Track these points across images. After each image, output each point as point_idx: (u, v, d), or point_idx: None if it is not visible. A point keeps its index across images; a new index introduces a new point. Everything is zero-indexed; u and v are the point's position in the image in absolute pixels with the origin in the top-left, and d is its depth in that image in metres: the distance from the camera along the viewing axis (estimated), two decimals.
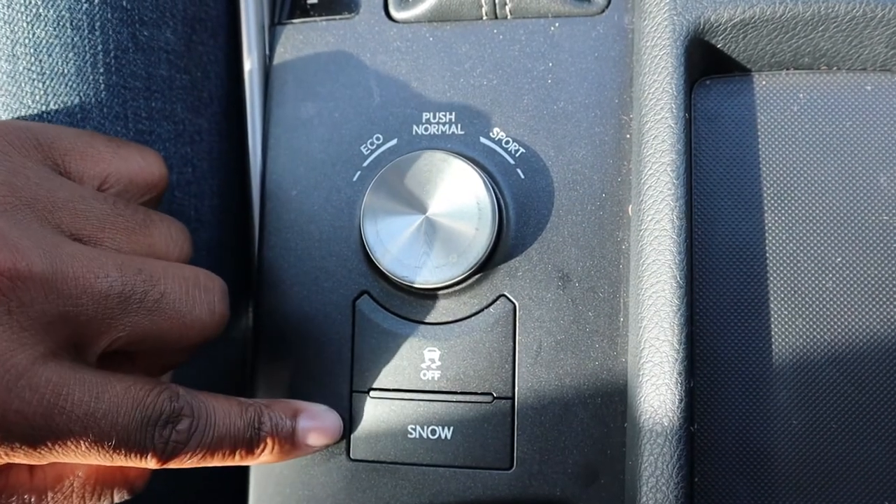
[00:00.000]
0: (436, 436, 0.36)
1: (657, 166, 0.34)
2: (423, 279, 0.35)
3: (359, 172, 0.38)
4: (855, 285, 0.34)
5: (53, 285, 0.27)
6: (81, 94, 0.35)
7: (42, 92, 0.34)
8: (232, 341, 0.42)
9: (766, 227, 0.35)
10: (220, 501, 0.44)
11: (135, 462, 0.29)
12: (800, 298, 0.34)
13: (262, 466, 0.38)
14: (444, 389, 0.36)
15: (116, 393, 0.28)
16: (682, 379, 0.32)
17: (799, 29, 0.35)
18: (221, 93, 0.41)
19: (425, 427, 0.36)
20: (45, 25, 0.34)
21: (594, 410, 0.35)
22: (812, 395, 0.33)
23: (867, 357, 0.33)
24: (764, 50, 0.36)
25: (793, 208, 0.35)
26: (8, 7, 0.34)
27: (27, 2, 0.34)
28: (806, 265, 0.34)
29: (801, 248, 0.34)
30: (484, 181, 0.35)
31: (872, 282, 0.34)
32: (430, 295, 0.37)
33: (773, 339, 0.34)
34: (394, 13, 0.40)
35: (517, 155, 0.37)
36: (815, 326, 0.34)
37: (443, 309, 0.37)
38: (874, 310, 0.33)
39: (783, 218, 0.35)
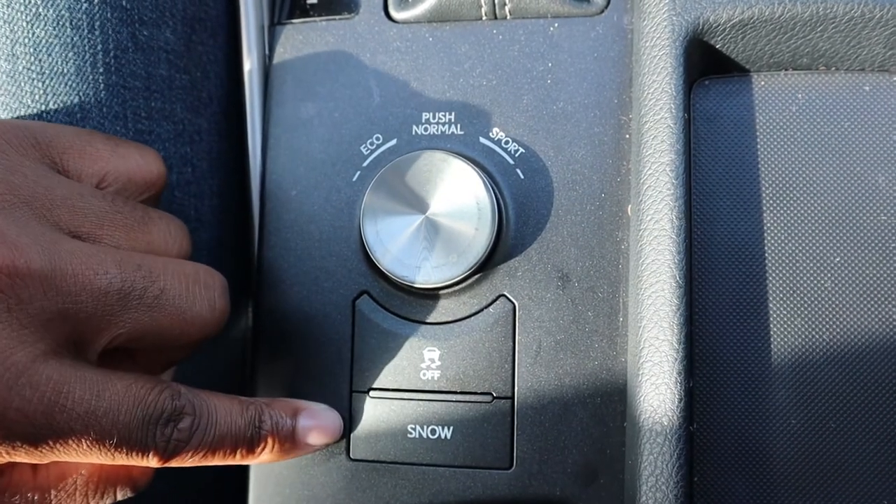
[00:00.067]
0: (436, 435, 0.36)
1: (656, 166, 0.34)
2: (423, 279, 0.35)
3: (358, 172, 0.38)
4: (853, 285, 0.34)
5: (52, 282, 0.27)
6: (81, 93, 0.35)
7: (41, 91, 0.34)
8: (232, 341, 0.42)
9: (765, 227, 0.35)
10: (221, 501, 0.44)
11: (136, 461, 0.29)
12: (799, 298, 0.34)
13: (262, 466, 0.38)
14: (443, 389, 0.36)
15: (117, 391, 0.28)
16: (682, 378, 0.32)
17: (797, 29, 0.35)
18: (221, 93, 0.41)
19: (425, 427, 0.36)
20: (45, 25, 0.34)
21: (594, 410, 0.35)
22: (811, 395, 0.33)
23: (866, 356, 0.33)
24: (763, 50, 0.36)
25: (791, 208, 0.35)
26: (7, 6, 0.34)
27: (27, 1, 0.34)
28: (805, 265, 0.34)
29: (800, 247, 0.34)
30: (483, 181, 0.35)
31: (871, 282, 0.34)
32: (430, 295, 0.37)
33: (772, 339, 0.34)
34: (393, 13, 0.40)
35: (517, 155, 0.37)
36: (813, 326, 0.34)
37: (442, 309, 0.37)
38: (873, 309, 0.33)
39: (782, 218, 0.35)
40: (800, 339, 0.34)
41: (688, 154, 0.34)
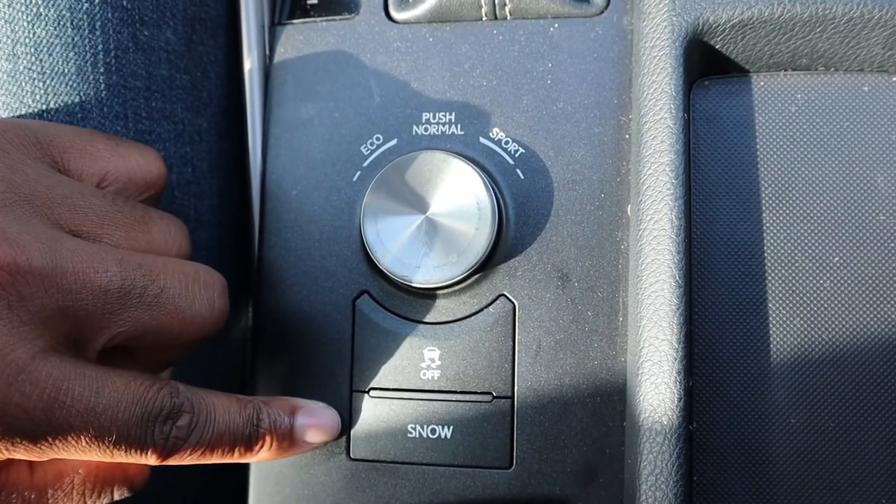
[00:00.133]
0: (435, 435, 0.36)
1: (656, 166, 0.34)
2: (423, 278, 0.35)
3: (359, 172, 0.38)
4: (853, 285, 0.34)
5: (53, 280, 0.27)
6: (82, 93, 0.35)
7: (42, 91, 0.34)
8: (232, 341, 0.42)
9: (765, 227, 0.35)
10: (220, 500, 0.44)
11: (135, 458, 0.29)
12: (798, 298, 0.34)
13: (262, 465, 0.38)
14: (443, 389, 0.36)
15: (117, 388, 0.28)
16: (681, 378, 0.32)
17: (797, 30, 0.35)
18: (221, 93, 0.42)
19: (425, 426, 0.36)
20: (46, 25, 0.34)
21: (593, 409, 0.35)
22: (810, 394, 0.33)
23: (865, 356, 0.33)
24: (762, 51, 0.36)
25: (791, 208, 0.35)
26: (9, 6, 0.34)
27: (28, 1, 0.34)
28: (804, 265, 0.34)
29: (800, 247, 0.34)
30: (484, 181, 0.35)
31: (870, 281, 0.34)
32: (430, 294, 0.37)
33: (771, 339, 0.34)
34: (394, 14, 0.40)
35: (517, 155, 0.37)
36: (813, 326, 0.34)
37: (442, 308, 0.37)
38: (872, 309, 0.33)
39: (781, 218, 0.35)
40: (799, 339, 0.34)
41: (687, 154, 0.34)
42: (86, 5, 0.35)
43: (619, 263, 0.36)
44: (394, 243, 0.35)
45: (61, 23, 0.34)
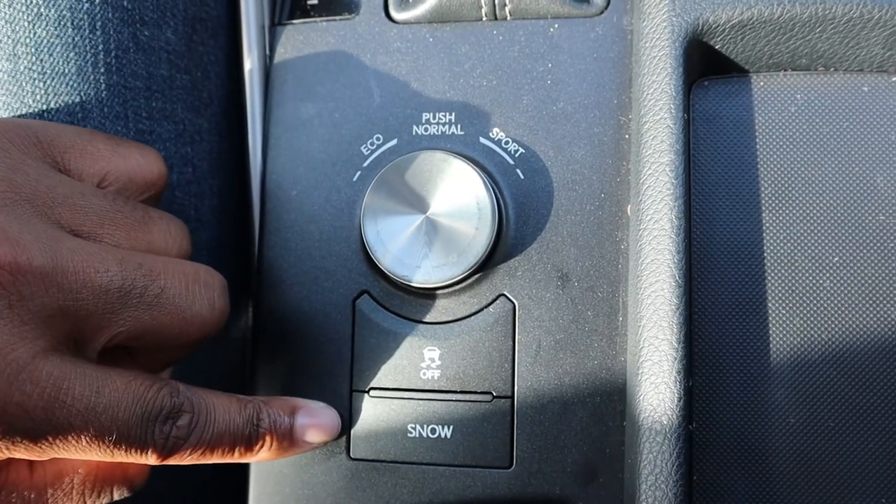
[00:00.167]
0: (436, 435, 0.36)
1: (656, 166, 0.34)
2: (423, 278, 0.35)
3: (359, 172, 0.39)
4: (852, 285, 0.34)
5: (54, 279, 0.27)
6: (82, 93, 0.35)
7: (43, 91, 0.34)
8: (232, 341, 0.42)
9: (765, 227, 0.35)
10: (220, 500, 0.44)
11: (135, 458, 0.29)
12: (798, 298, 0.34)
13: (262, 465, 0.38)
14: (443, 388, 0.36)
15: (117, 388, 0.28)
16: (681, 378, 0.32)
17: (797, 30, 0.35)
18: (222, 93, 0.42)
19: (425, 426, 0.36)
20: (47, 25, 0.34)
21: (593, 409, 0.35)
22: (810, 394, 0.33)
23: (864, 356, 0.33)
24: (762, 51, 0.36)
25: (791, 208, 0.35)
26: (9, 6, 0.34)
27: (29, 1, 0.34)
28: (804, 265, 0.34)
29: (799, 247, 0.34)
30: (484, 181, 0.35)
31: (869, 281, 0.34)
32: (430, 294, 0.37)
33: (771, 338, 0.34)
34: (394, 14, 0.40)
35: (517, 155, 0.37)
36: (812, 325, 0.34)
37: (442, 308, 0.37)
38: (871, 309, 0.33)
39: (781, 218, 0.35)
40: (799, 339, 0.34)
41: (687, 154, 0.34)
42: (86, 5, 0.35)
43: (619, 263, 0.36)
44: (394, 243, 0.35)
45: (62, 23, 0.34)
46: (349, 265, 0.38)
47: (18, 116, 0.34)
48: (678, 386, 0.32)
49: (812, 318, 0.34)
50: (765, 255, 0.34)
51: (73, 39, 0.35)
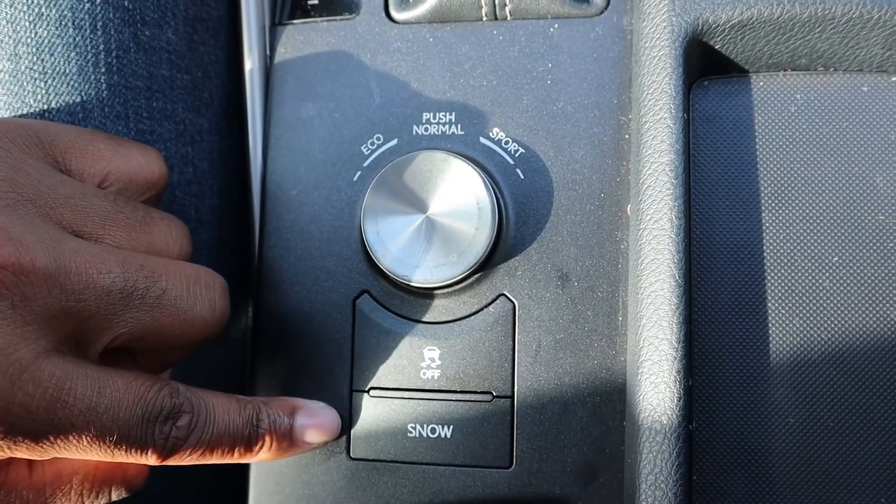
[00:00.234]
0: (435, 434, 0.36)
1: (656, 166, 0.34)
2: (423, 278, 0.35)
3: (359, 172, 0.39)
4: (852, 284, 0.34)
5: (57, 280, 0.27)
6: (83, 93, 0.35)
7: (44, 91, 0.34)
8: (232, 341, 0.42)
9: (764, 227, 0.35)
10: (220, 500, 0.44)
11: (135, 458, 0.29)
12: (797, 297, 0.34)
13: (263, 465, 0.38)
14: (443, 388, 0.36)
15: (118, 388, 0.28)
16: (681, 377, 0.32)
17: (796, 30, 0.35)
18: (222, 93, 0.42)
19: (425, 426, 0.36)
20: (48, 25, 0.34)
21: (593, 409, 0.35)
22: (809, 393, 0.33)
23: (864, 355, 0.33)
24: (762, 51, 0.36)
25: (790, 208, 0.35)
26: (10, 6, 0.34)
27: (30, 1, 0.34)
28: (803, 264, 0.34)
29: (799, 247, 0.34)
30: (484, 181, 0.35)
31: (869, 281, 0.34)
32: (430, 294, 0.37)
33: (770, 338, 0.34)
34: (394, 14, 0.40)
35: (517, 155, 0.37)
36: (812, 325, 0.34)
37: (442, 308, 0.37)
38: (871, 309, 0.34)
39: (781, 217, 0.35)
40: (798, 338, 0.34)
41: (687, 154, 0.34)
42: (87, 5, 0.35)
43: (619, 263, 0.36)
44: (394, 243, 0.35)
45: (63, 23, 0.34)
46: (349, 265, 0.38)
47: (20, 116, 0.34)
48: (678, 385, 0.32)
49: (812, 318, 0.34)
50: (764, 254, 0.35)
51: (75, 39, 0.35)
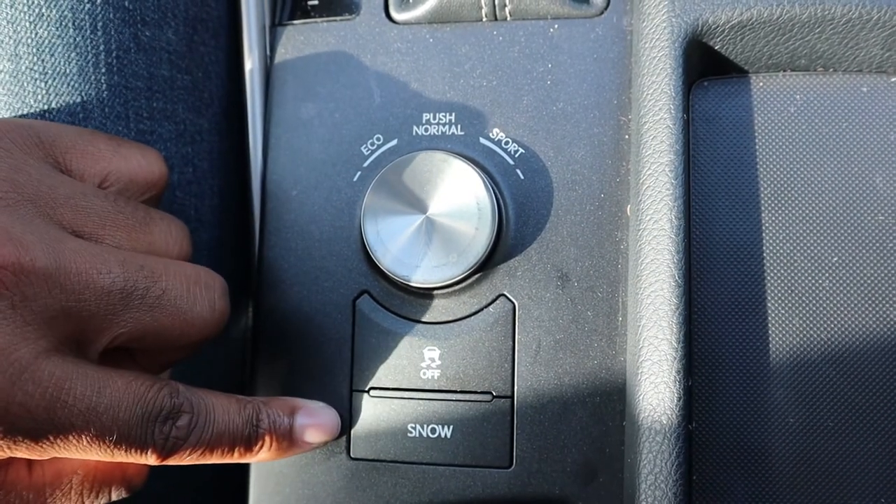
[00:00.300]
0: (435, 434, 0.36)
1: (656, 167, 0.34)
2: (423, 278, 0.35)
3: (359, 173, 0.39)
4: (851, 285, 0.34)
5: (57, 280, 0.27)
6: (83, 93, 0.35)
7: (44, 91, 0.34)
8: (232, 341, 0.42)
9: (764, 227, 0.35)
10: (220, 500, 0.44)
11: (135, 458, 0.29)
12: (797, 298, 0.34)
13: (263, 465, 0.38)
14: (443, 388, 0.36)
15: (118, 388, 0.28)
16: (681, 377, 0.32)
17: (796, 31, 0.35)
18: (222, 93, 0.42)
19: (425, 426, 0.36)
20: (48, 25, 0.34)
21: (593, 409, 0.35)
22: (809, 393, 0.33)
23: (864, 355, 0.33)
24: (761, 51, 0.36)
25: (790, 208, 0.35)
26: (11, 7, 0.34)
27: (30, 2, 0.34)
28: (803, 265, 0.34)
29: (799, 247, 0.34)
30: (484, 181, 0.35)
31: (868, 281, 0.34)
32: (430, 294, 0.37)
33: (770, 338, 0.34)
34: (394, 14, 0.40)
35: (517, 155, 0.37)
36: (811, 325, 0.34)
37: (442, 308, 0.37)
38: (870, 309, 0.34)
39: (780, 218, 0.35)
40: (798, 339, 0.34)
41: (687, 154, 0.34)
42: (87, 6, 0.35)
43: (619, 263, 0.36)
44: (394, 243, 0.35)
45: (63, 23, 0.34)
46: (349, 265, 0.38)
47: (20, 116, 0.34)
48: (678, 386, 0.32)
49: (811, 318, 0.34)
50: (764, 254, 0.35)
51: (75, 40, 0.35)
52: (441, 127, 0.38)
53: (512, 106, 0.38)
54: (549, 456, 0.35)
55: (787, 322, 0.34)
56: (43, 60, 0.34)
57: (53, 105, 0.35)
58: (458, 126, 0.38)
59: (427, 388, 0.36)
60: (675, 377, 0.32)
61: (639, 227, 0.34)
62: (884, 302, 0.34)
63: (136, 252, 0.31)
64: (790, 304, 0.34)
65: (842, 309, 0.34)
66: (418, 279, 0.35)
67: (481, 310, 0.36)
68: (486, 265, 0.36)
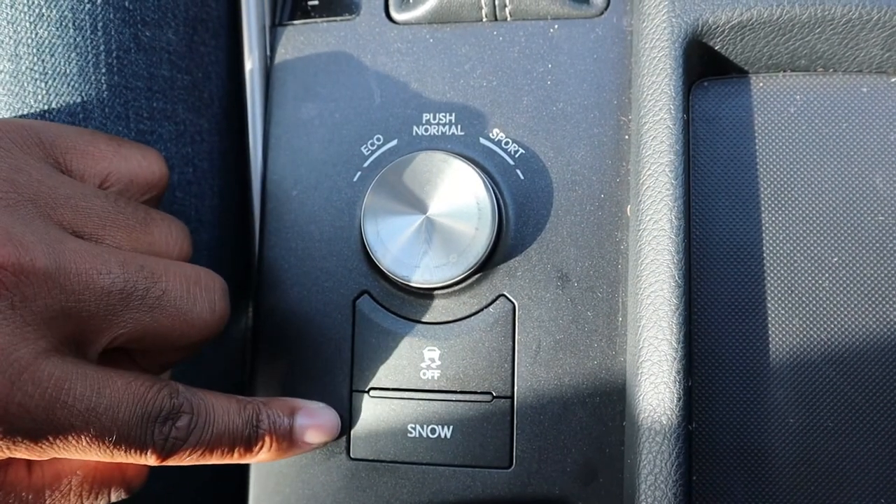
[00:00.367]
0: (435, 435, 0.36)
1: (656, 167, 0.34)
2: (423, 278, 0.35)
3: (359, 173, 0.39)
4: (851, 285, 0.34)
5: (57, 281, 0.27)
6: (83, 93, 0.35)
7: (45, 92, 0.34)
8: (232, 341, 0.42)
9: (764, 228, 0.35)
10: (220, 500, 0.44)
11: (134, 458, 0.29)
12: (797, 298, 0.34)
13: (263, 465, 0.38)
14: (443, 388, 0.36)
15: (118, 388, 0.28)
16: (681, 378, 0.32)
17: (796, 31, 0.35)
18: (222, 93, 0.42)
19: (425, 426, 0.36)
20: (48, 26, 0.34)
21: (593, 409, 0.35)
22: (809, 394, 0.33)
23: (863, 356, 0.33)
24: (761, 52, 0.36)
25: (790, 209, 0.35)
26: (11, 7, 0.34)
27: (30, 2, 0.34)
28: (803, 265, 0.34)
29: (798, 248, 0.34)
30: (484, 181, 0.35)
31: (868, 281, 0.34)
32: (430, 294, 0.37)
33: (770, 339, 0.34)
34: (394, 15, 0.40)
35: (517, 155, 0.37)
36: (811, 325, 0.34)
37: (442, 308, 0.37)
38: (870, 309, 0.34)
39: (780, 218, 0.35)
40: (798, 339, 0.34)
41: (687, 155, 0.34)
42: (88, 6, 0.35)
43: (619, 263, 0.36)
44: (394, 243, 0.35)
45: (63, 24, 0.34)
46: (349, 265, 0.38)
47: (20, 117, 0.34)
48: (678, 386, 0.32)
49: (811, 319, 0.34)
50: (764, 255, 0.35)
51: (75, 40, 0.35)
52: (441, 127, 0.38)
53: (512, 106, 0.38)
54: (549, 456, 0.35)
55: (787, 322, 0.34)
56: (43, 61, 0.34)
57: (53, 105, 0.35)
58: (458, 126, 0.38)
59: (427, 388, 0.36)
60: (675, 377, 0.32)
61: (639, 228, 0.34)
62: (884, 302, 0.34)
63: (137, 252, 0.31)
64: (790, 305, 0.34)
65: (842, 309, 0.34)
66: (418, 279, 0.35)
67: (481, 310, 0.36)
68: (486, 265, 0.36)
